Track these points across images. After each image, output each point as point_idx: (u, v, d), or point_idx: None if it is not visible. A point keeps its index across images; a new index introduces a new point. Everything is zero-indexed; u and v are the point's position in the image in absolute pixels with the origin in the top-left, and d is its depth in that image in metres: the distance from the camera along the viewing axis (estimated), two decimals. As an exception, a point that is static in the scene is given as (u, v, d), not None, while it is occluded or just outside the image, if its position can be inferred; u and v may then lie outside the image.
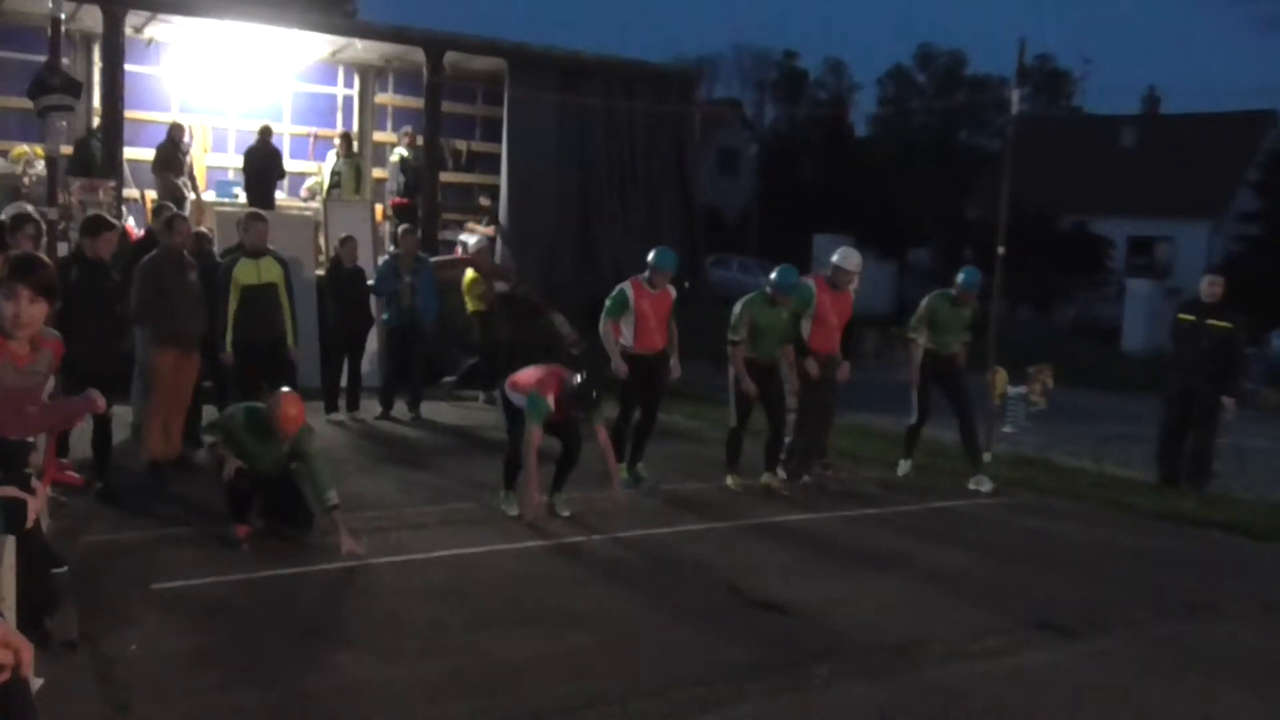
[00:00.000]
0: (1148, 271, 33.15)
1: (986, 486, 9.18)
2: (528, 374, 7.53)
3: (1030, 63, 37.34)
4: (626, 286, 8.59)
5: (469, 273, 12.22)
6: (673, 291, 8.76)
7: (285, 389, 6.64)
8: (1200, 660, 5.64)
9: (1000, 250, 10.35)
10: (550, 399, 7.27)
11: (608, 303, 8.60)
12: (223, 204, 13.59)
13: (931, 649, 5.52)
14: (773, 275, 8.67)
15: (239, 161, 14.24)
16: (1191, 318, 9.64)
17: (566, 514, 7.54)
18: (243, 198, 13.79)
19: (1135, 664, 5.51)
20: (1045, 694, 5.05)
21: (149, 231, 10.06)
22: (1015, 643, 5.70)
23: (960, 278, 9.45)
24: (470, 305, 12.26)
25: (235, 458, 6.52)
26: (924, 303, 9.53)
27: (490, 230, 14.72)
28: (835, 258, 9.07)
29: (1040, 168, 35.56)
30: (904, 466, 9.67)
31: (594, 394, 7.31)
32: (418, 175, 14.70)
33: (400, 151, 15.06)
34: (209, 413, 9.80)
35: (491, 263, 12.52)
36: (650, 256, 8.66)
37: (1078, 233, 32.50)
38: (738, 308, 8.65)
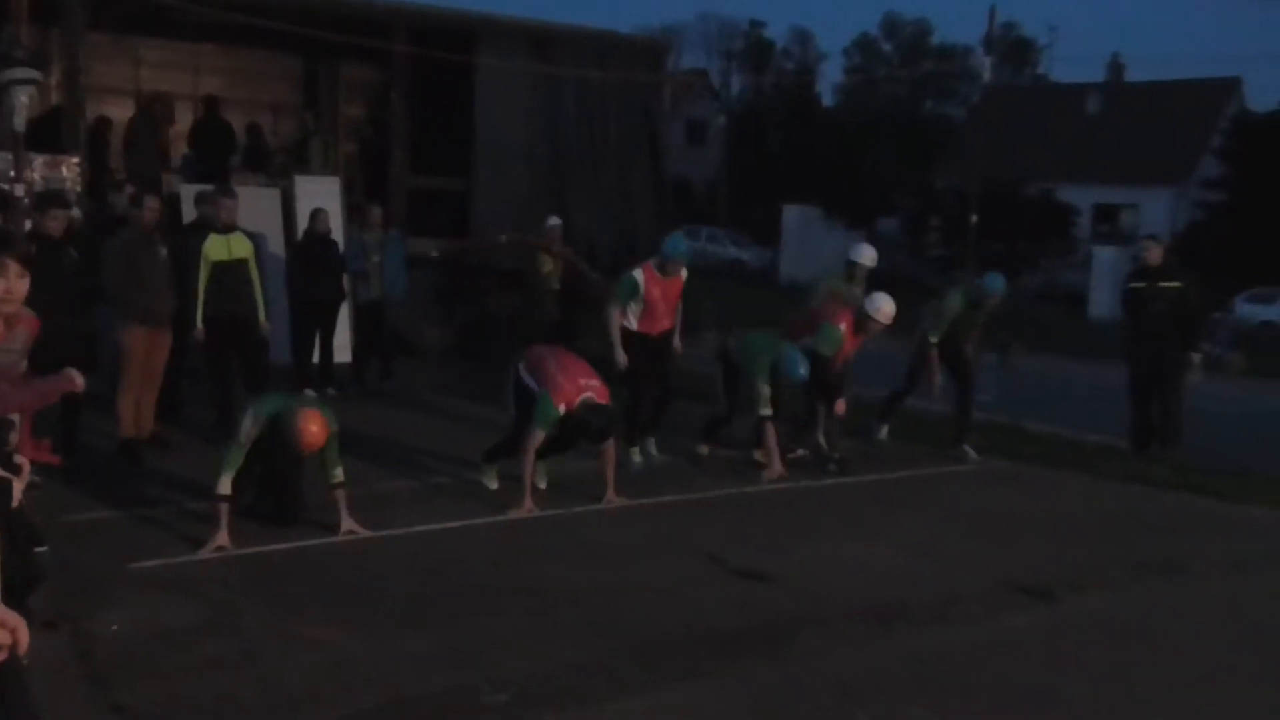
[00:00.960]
0: (1113, 238, 33.44)
1: (972, 457, 9.26)
2: (551, 362, 7.23)
3: (996, 31, 37.51)
4: (638, 273, 8.34)
5: (544, 254, 12.16)
6: (684, 275, 8.51)
7: (308, 407, 6.31)
8: (1173, 620, 5.74)
9: (974, 219, 10.41)
10: (561, 409, 6.99)
11: (617, 288, 8.38)
12: (188, 179, 13.38)
13: (911, 614, 5.58)
14: (787, 362, 8.23)
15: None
16: (1142, 284, 9.78)
17: (543, 485, 7.53)
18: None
19: (1110, 625, 5.60)
20: (1023, 656, 5.12)
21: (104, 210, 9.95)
22: (993, 606, 5.77)
23: (985, 283, 9.43)
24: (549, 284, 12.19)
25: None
26: (945, 306, 9.38)
27: None
28: (868, 307, 8.77)
29: (1006, 136, 35.82)
30: (882, 431, 9.72)
31: (604, 427, 7.06)
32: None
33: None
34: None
35: (563, 245, 12.34)
36: (664, 245, 8.45)
37: (1044, 200, 32.69)
38: (762, 374, 8.24)
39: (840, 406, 8.76)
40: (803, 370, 8.22)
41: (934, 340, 9.31)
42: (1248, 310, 25.45)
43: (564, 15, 24.14)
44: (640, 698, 4.53)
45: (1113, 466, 9.25)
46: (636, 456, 8.43)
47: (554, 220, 12.31)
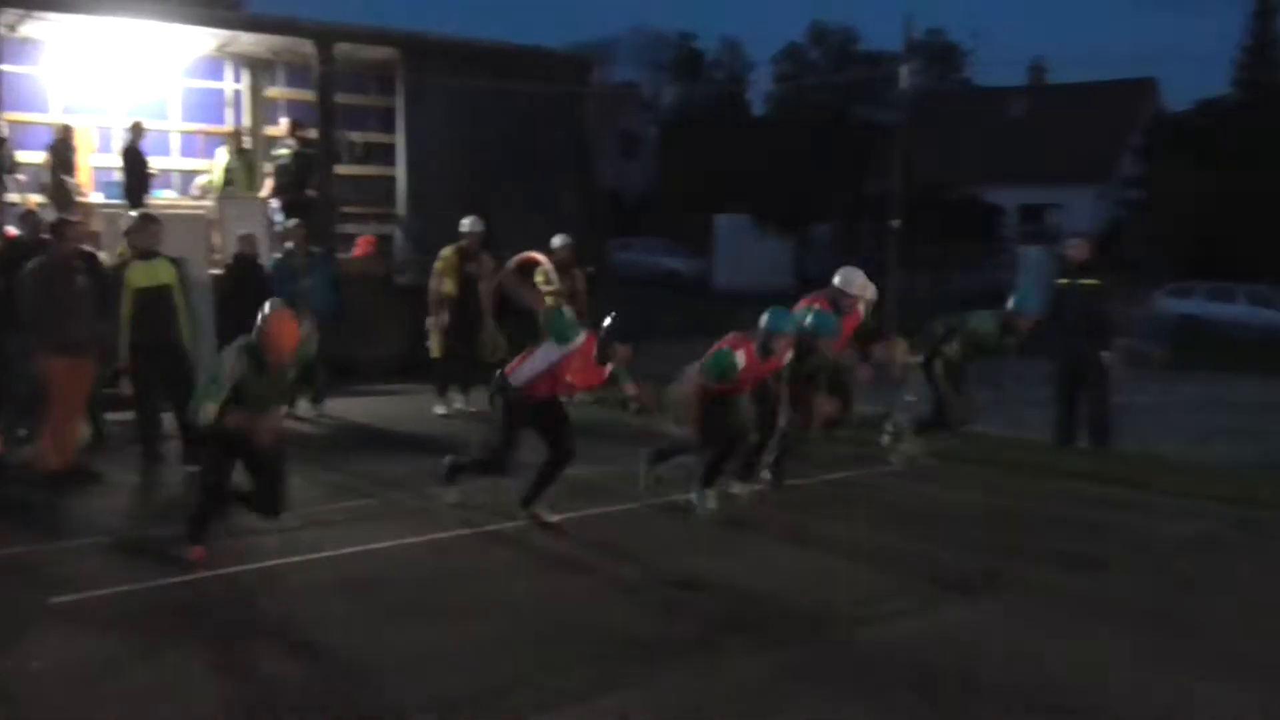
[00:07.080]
0: (1038, 238, 34.07)
1: (908, 455, 9.37)
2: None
3: (920, 37, 38.16)
4: (740, 355, 7.49)
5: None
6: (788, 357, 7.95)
7: (271, 307, 6.10)
8: (1091, 611, 5.87)
9: (895, 223, 10.56)
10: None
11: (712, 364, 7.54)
12: (111, 205, 13.20)
13: (842, 614, 5.67)
14: (764, 322, 7.68)
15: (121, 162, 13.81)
16: (1065, 281, 10.08)
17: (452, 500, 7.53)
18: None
19: (1031, 618, 5.74)
20: (948, 651, 5.21)
21: (15, 236, 9.79)
22: (920, 604, 5.88)
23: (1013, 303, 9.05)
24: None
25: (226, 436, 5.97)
26: (971, 325, 9.09)
27: None
28: (837, 280, 8.75)
29: (933, 140, 36.36)
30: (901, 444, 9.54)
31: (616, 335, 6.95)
32: (309, 168, 14.38)
33: (283, 147, 14.59)
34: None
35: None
36: (765, 321, 7.66)
37: (971, 202, 33.24)
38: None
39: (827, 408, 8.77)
40: (784, 324, 7.74)
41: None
42: (1168, 305, 26.00)
43: (498, 33, 24.17)
44: (572, 709, 4.55)
45: (1037, 462, 9.43)
46: (711, 502, 7.84)
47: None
